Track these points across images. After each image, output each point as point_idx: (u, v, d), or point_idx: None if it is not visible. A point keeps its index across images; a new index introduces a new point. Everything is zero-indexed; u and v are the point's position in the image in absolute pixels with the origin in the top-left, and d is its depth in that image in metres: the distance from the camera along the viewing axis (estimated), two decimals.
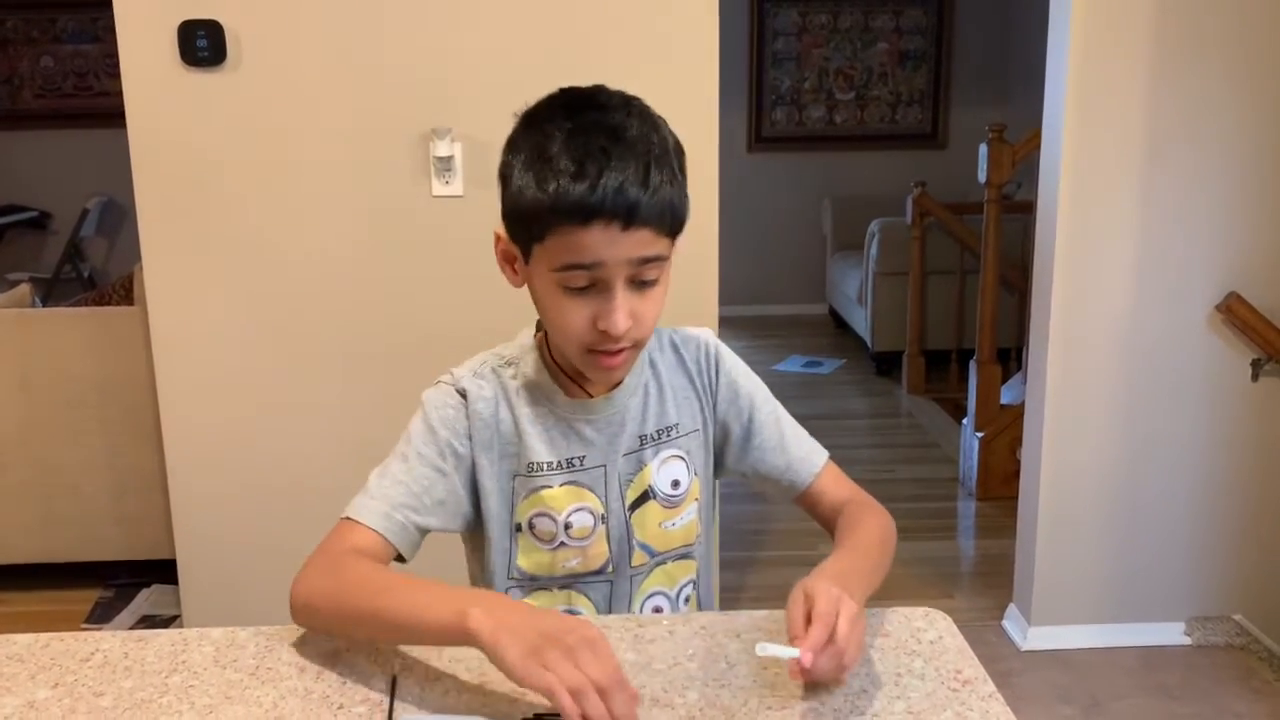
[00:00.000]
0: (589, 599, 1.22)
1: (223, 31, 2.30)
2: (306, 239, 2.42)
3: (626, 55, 2.34)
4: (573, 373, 1.18)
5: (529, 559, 1.20)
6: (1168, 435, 2.63)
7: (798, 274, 6.34)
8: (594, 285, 1.06)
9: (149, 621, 2.89)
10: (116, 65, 2.34)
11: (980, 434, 3.66)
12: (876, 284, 5.03)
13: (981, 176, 3.59)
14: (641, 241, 1.04)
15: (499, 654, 0.90)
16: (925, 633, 1.09)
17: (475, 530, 1.22)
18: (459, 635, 0.94)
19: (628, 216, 1.02)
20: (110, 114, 2.42)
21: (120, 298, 3.13)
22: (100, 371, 2.94)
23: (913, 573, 3.15)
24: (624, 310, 1.05)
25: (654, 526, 1.21)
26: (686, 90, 2.34)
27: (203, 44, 2.30)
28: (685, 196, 1.09)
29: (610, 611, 1.22)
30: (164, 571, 2.93)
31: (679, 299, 2.36)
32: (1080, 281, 2.54)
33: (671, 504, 1.22)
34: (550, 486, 1.18)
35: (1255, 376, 2.59)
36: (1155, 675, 2.58)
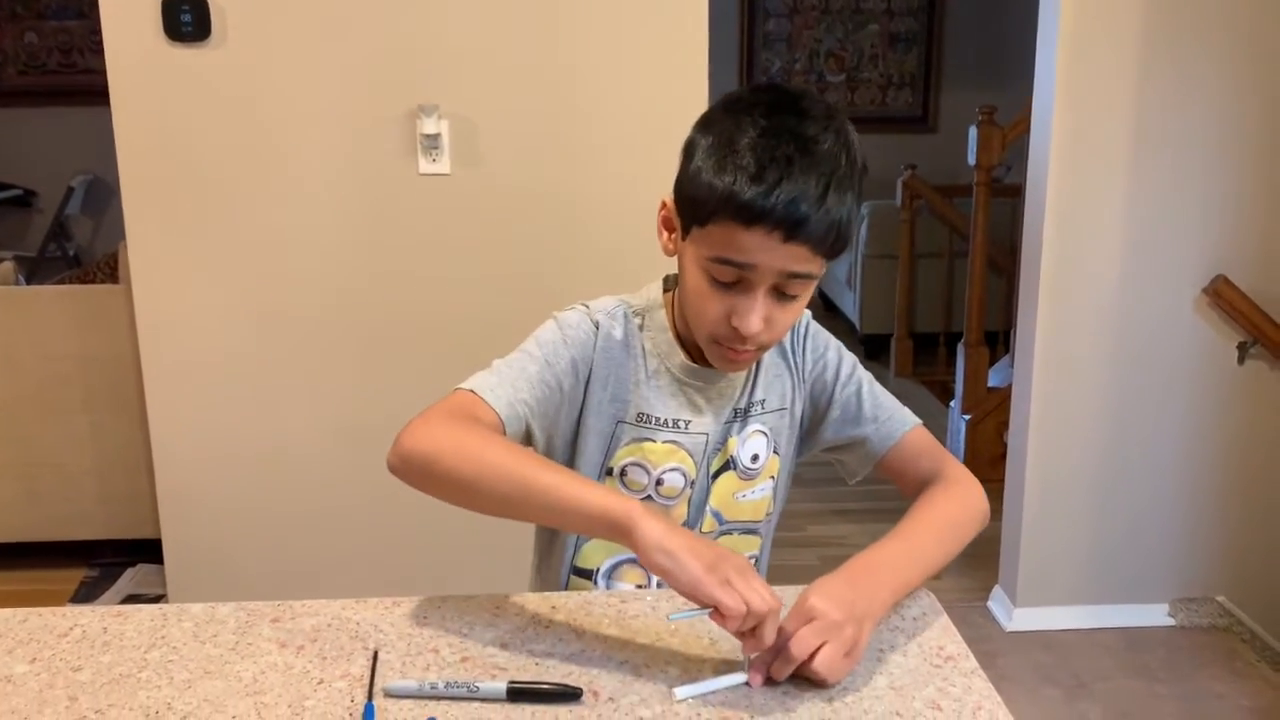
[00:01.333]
0: None
1: (207, 6, 2.28)
2: (292, 217, 2.40)
3: (616, 35, 2.32)
4: (694, 343, 1.18)
5: None
6: (1154, 418, 2.64)
7: None
8: (739, 283, 1.06)
9: (134, 601, 2.89)
10: (101, 41, 2.31)
11: (967, 417, 3.67)
12: (866, 267, 5.03)
13: (971, 159, 3.59)
14: (798, 256, 1.03)
15: (678, 561, 0.92)
16: (908, 609, 1.09)
17: (549, 458, 1.18)
18: (619, 528, 0.96)
19: (791, 230, 1.01)
20: (95, 91, 2.39)
21: (105, 276, 3.11)
22: (85, 350, 2.92)
23: None
24: (760, 314, 1.06)
25: (728, 496, 1.24)
26: (676, 70, 2.33)
27: (187, 19, 2.27)
28: (856, 220, 1.08)
29: None
30: (149, 551, 2.92)
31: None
32: (1068, 264, 2.54)
33: (748, 477, 1.24)
34: (653, 440, 1.19)
35: (1241, 359, 2.60)
36: (1139, 656, 2.59)
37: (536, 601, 1.11)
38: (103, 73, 2.34)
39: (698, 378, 1.20)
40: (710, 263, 1.06)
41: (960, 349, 3.78)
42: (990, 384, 3.75)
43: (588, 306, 1.20)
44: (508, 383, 1.12)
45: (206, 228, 2.40)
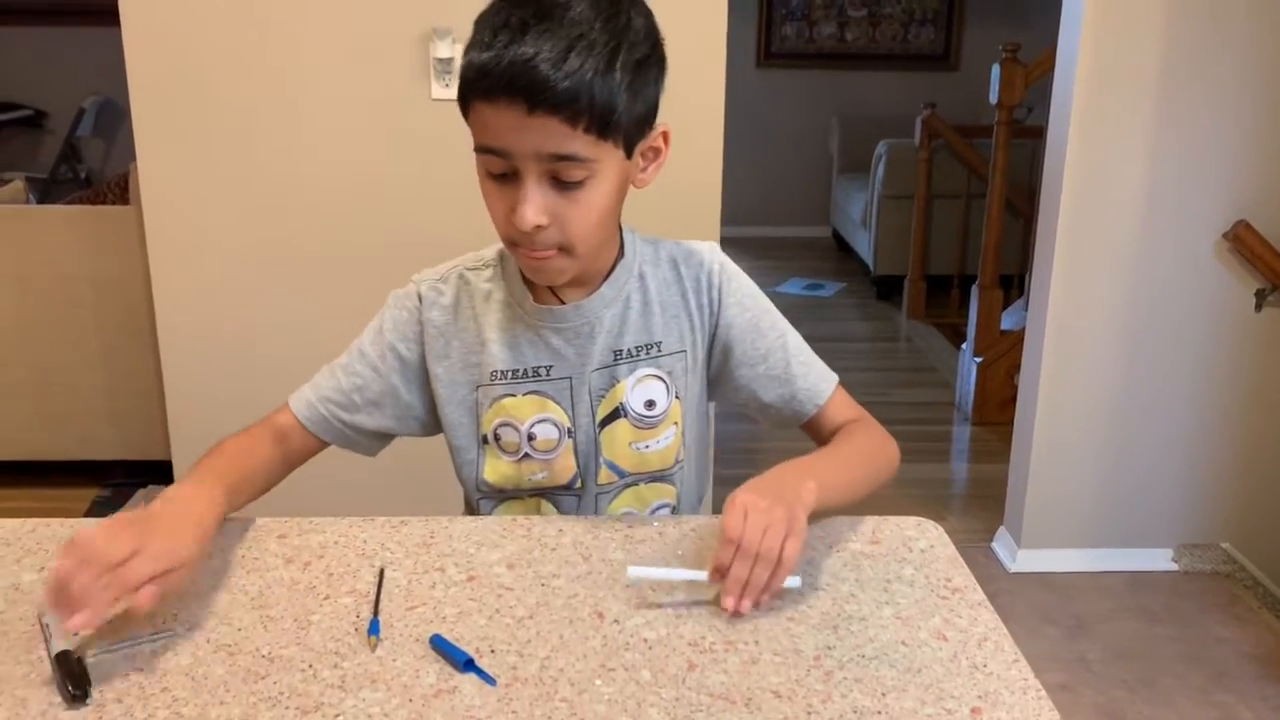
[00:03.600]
0: (559, 511, 1.20)
1: None
2: (303, 140, 2.38)
3: None
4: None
5: (495, 471, 1.16)
6: (1167, 363, 2.62)
7: (802, 195, 6.28)
8: (513, 174, 1.00)
9: None
10: None
11: (979, 359, 3.65)
12: (881, 207, 4.98)
13: (993, 97, 3.53)
14: (552, 132, 0.95)
15: None
16: (916, 541, 1.09)
17: (433, 434, 1.20)
18: None
19: (530, 97, 0.93)
20: (107, 11, 2.36)
21: (115, 197, 3.10)
22: (96, 271, 2.91)
23: (906, 494, 3.16)
24: (535, 205, 0.98)
25: (624, 446, 1.16)
26: (695, 2, 2.28)
27: None
28: (631, 96, 0.98)
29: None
30: (160, 473, 2.94)
31: (680, 217, 2.33)
32: (1087, 206, 2.51)
33: (645, 425, 1.16)
34: (514, 395, 1.14)
35: (1259, 306, 2.57)
36: (1140, 599, 2.61)
37: (543, 524, 1.11)
38: None
39: (550, 318, 1.13)
40: (479, 155, 1.01)
41: (974, 291, 3.75)
42: (1003, 327, 3.73)
43: (418, 276, 1.18)
44: (315, 385, 1.20)
45: (217, 150, 2.38)
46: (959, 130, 4.58)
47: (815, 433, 1.22)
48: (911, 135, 4.68)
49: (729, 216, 2.57)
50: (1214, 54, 2.42)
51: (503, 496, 1.19)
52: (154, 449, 2.95)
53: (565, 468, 1.16)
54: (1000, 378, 3.61)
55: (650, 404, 1.15)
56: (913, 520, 1.13)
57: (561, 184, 0.99)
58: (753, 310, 1.18)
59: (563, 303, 1.13)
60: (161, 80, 2.33)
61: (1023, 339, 2.78)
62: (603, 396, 1.15)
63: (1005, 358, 3.57)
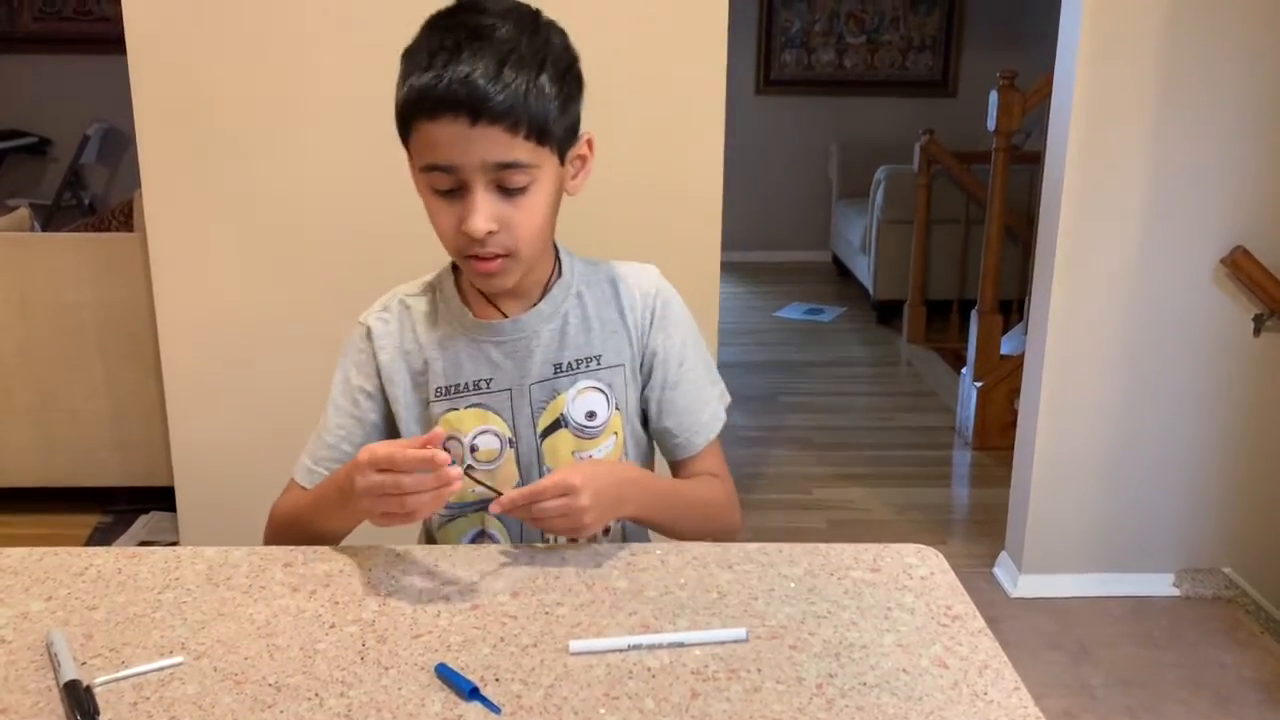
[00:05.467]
0: (501, 522, 1.22)
1: None
2: (307, 167, 2.40)
3: None
4: (485, 293, 1.19)
5: None
6: (1166, 388, 2.63)
7: (802, 220, 6.30)
8: (460, 189, 1.06)
9: (146, 547, 2.92)
10: None
11: (979, 384, 3.66)
12: (881, 232, 5.00)
13: (991, 124, 3.56)
14: (494, 142, 1.03)
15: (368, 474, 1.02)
16: (917, 569, 1.10)
17: None
18: (347, 481, 1.05)
19: (473, 110, 1.01)
20: (111, 39, 2.39)
21: (120, 224, 3.12)
22: (99, 298, 2.93)
23: (907, 519, 3.17)
24: (483, 213, 1.05)
25: (566, 455, 1.20)
26: (695, 30, 2.30)
27: None
28: (558, 105, 1.06)
29: (522, 537, 1.22)
30: (163, 499, 2.94)
31: (681, 242, 2.35)
32: (1085, 231, 2.53)
33: (586, 435, 1.20)
34: (457, 409, 1.19)
35: (1257, 332, 2.59)
36: (1142, 624, 2.60)
37: (546, 553, 1.12)
38: (119, 20, 2.33)
39: (489, 332, 1.18)
40: (424, 175, 1.07)
41: (973, 315, 3.76)
42: (1002, 351, 3.74)
43: (366, 313, 1.25)
44: (308, 453, 1.24)
45: (222, 176, 2.40)
46: (957, 156, 4.61)
47: (676, 468, 1.28)
48: (910, 161, 4.71)
49: (729, 241, 2.59)
50: (1210, 80, 2.44)
51: (451, 513, 1.22)
52: (157, 475, 2.96)
53: (507, 477, 1.20)
54: (1000, 402, 3.61)
55: (591, 415, 1.20)
56: (913, 548, 1.14)
57: (506, 191, 1.06)
58: (677, 340, 1.23)
59: (505, 316, 1.19)
60: (166, 108, 2.35)
61: (1023, 363, 2.79)
62: (544, 408, 1.20)
63: (1005, 382, 3.58)
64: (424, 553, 1.11)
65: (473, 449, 1.19)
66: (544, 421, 1.19)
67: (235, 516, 2.57)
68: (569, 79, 1.09)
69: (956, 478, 3.56)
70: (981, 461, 3.60)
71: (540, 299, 1.19)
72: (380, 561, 1.10)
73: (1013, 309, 4.11)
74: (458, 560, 1.10)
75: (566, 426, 1.19)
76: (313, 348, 2.50)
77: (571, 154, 1.13)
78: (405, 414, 1.20)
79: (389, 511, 1.01)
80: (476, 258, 1.09)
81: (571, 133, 1.11)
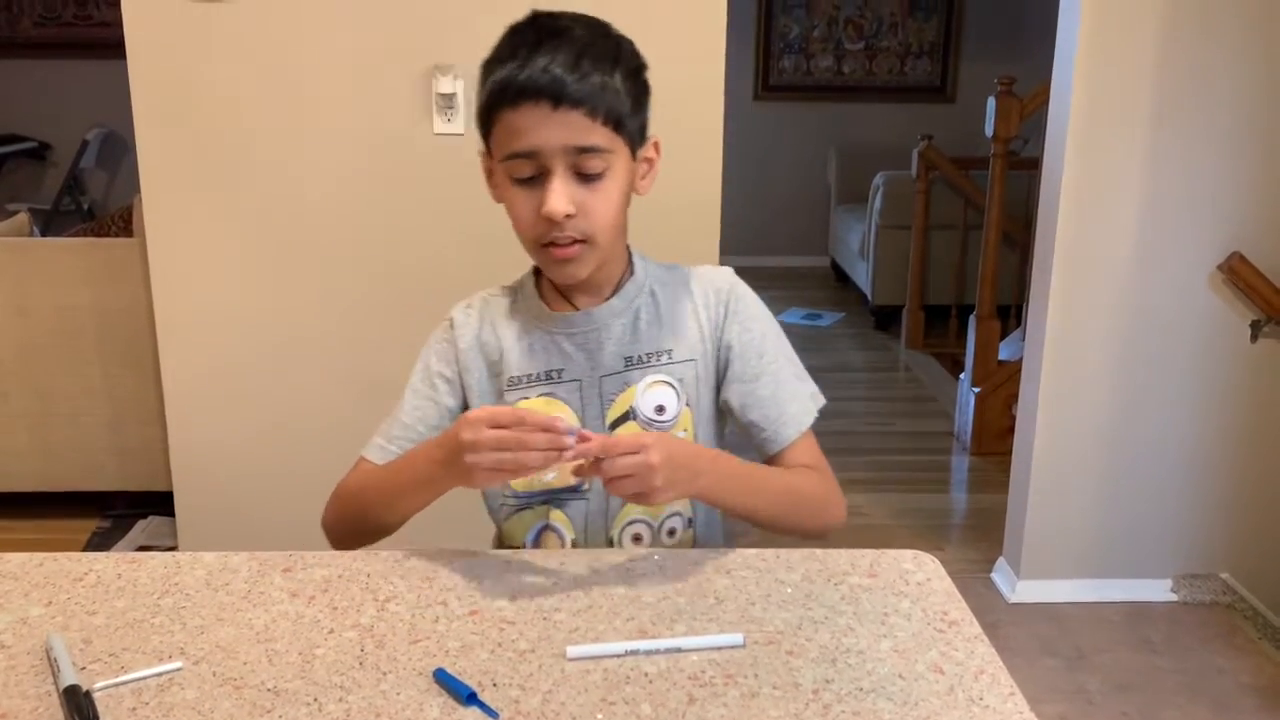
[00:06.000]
0: (567, 515, 1.23)
1: None
2: (307, 174, 2.40)
3: None
4: (561, 288, 1.22)
5: None
6: (1164, 394, 2.64)
7: (800, 225, 6.31)
8: (539, 176, 1.10)
9: (146, 552, 2.91)
10: None
11: (977, 389, 3.67)
12: (879, 237, 5.01)
13: (989, 130, 3.56)
14: (574, 126, 1.08)
15: (475, 429, 1.03)
16: (913, 575, 1.10)
17: None
18: (447, 448, 1.06)
19: (555, 95, 1.07)
20: (111, 44, 2.40)
21: (119, 229, 3.12)
22: (99, 302, 2.93)
23: (904, 524, 3.17)
24: (562, 194, 1.09)
25: None
26: (694, 36, 2.31)
27: None
28: (630, 100, 1.12)
29: (587, 531, 1.22)
30: (161, 503, 2.94)
31: (680, 247, 2.35)
32: (1083, 238, 2.53)
33: (655, 429, 1.20)
34: (527, 397, 1.21)
35: (1254, 338, 2.59)
36: (1140, 630, 2.61)
37: (544, 558, 1.13)
38: (119, 25, 2.33)
39: (562, 324, 1.21)
40: (506, 164, 1.11)
41: (971, 321, 3.77)
42: (1001, 357, 3.74)
43: (452, 310, 1.28)
44: (381, 433, 1.25)
45: (221, 183, 2.40)
46: (956, 161, 4.61)
47: (772, 462, 1.25)
48: (909, 166, 4.72)
49: (728, 246, 2.59)
50: (1206, 87, 2.45)
51: (519, 503, 1.23)
52: (156, 480, 2.96)
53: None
54: (998, 407, 3.62)
55: (660, 409, 1.21)
56: (909, 553, 1.14)
57: (584, 176, 1.11)
58: (755, 333, 1.24)
59: (576, 309, 1.21)
60: (166, 113, 2.35)
61: (1021, 369, 2.79)
62: (614, 400, 1.21)
63: (1003, 387, 3.58)
64: (423, 558, 1.12)
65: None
66: (613, 414, 1.21)
67: (234, 521, 2.58)
68: (640, 80, 1.15)
69: (954, 483, 3.56)
70: (979, 467, 3.60)
71: (612, 295, 1.22)
72: (379, 567, 1.10)
73: (1011, 314, 4.12)
74: (457, 565, 1.10)
75: (635, 419, 1.20)
76: (311, 353, 2.51)
77: (641, 154, 1.17)
78: (478, 403, 1.22)
79: (498, 467, 1.02)
80: (554, 244, 1.12)
81: (642, 132, 1.17)
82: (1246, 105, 2.46)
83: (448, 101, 2.34)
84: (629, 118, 1.12)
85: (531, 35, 1.10)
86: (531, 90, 1.07)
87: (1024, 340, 2.80)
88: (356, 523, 1.21)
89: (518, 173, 1.11)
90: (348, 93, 2.36)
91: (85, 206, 5.46)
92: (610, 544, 1.22)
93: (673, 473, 1.04)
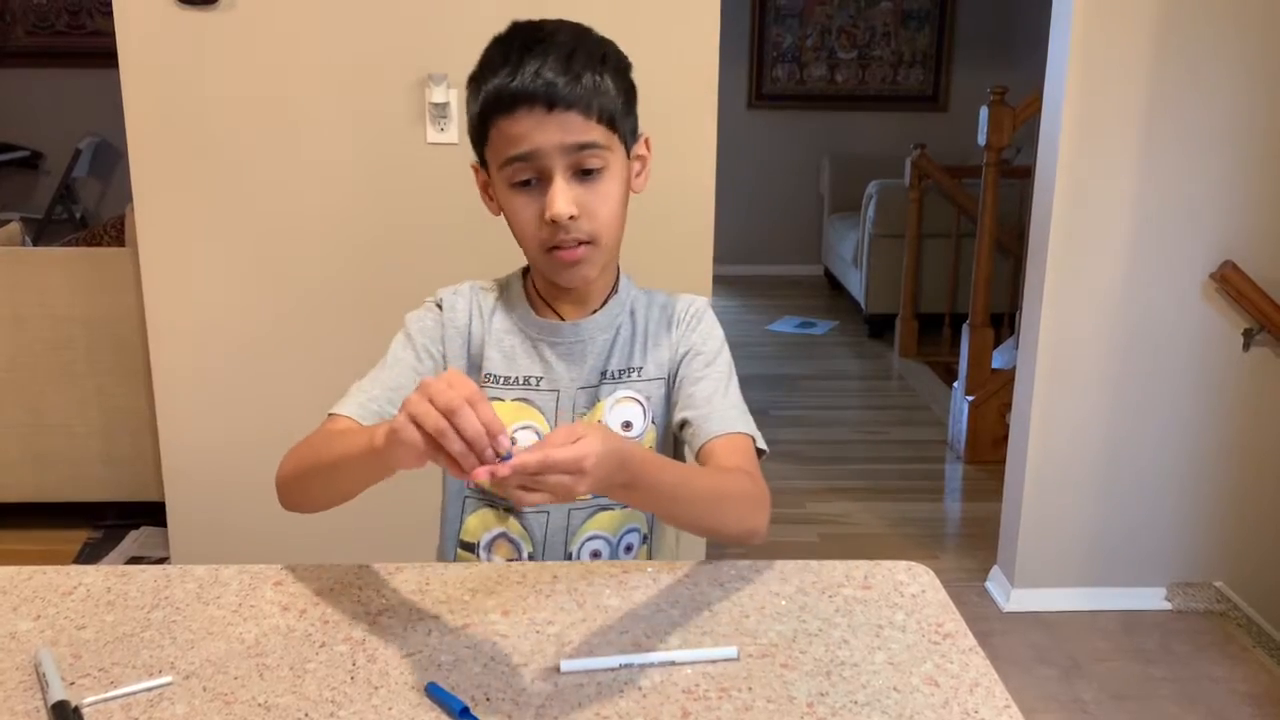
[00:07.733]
0: (524, 527, 1.23)
1: None
2: (299, 184, 2.40)
3: (627, 6, 2.31)
4: (548, 296, 1.22)
5: None
6: (1157, 402, 2.64)
7: (794, 234, 6.32)
8: (539, 179, 1.11)
9: (137, 563, 2.90)
10: (110, 3, 2.30)
11: (970, 398, 3.67)
12: (872, 246, 5.01)
13: (981, 139, 3.57)
14: (570, 125, 1.09)
15: (402, 422, 0.91)
16: (907, 586, 1.10)
17: None
18: (384, 441, 0.95)
19: (549, 98, 1.07)
20: (103, 54, 2.39)
21: (111, 239, 3.11)
22: (91, 312, 2.92)
23: (899, 533, 3.17)
24: (566, 196, 1.10)
25: None
26: (687, 44, 2.31)
27: None
28: (622, 99, 1.13)
29: (545, 544, 1.22)
30: (153, 514, 2.93)
31: (673, 256, 2.36)
32: (1076, 246, 2.54)
33: None
34: (501, 400, 1.21)
35: (1247, 346, 2.60)
36: (1135, 639, 2.60)
37: (537, 570, 1.12)
38: (111, 34, 2.32)
39: (548, 332, 1.22)
40: (505, 171, 1.12)
41: (965, 329, 3.77)
42: (994, 366, 3.75)
43: (436, 294, 1.27)
44: (356, 393, 1.21)
45: (214, 192, 2.40)
46: (948, 170, 4.62)
47: (699, 457, 1.21)
48: (901, 175, 4.73)
49: (721, 255, 2.59)
50: (1198, 95, 2.46)
51: (482, 501, 1.23)
52: (147, 490, 2.95)
53: None
54: (992, 416, 3.62)
55: (627, 425, 1.21)
56: (904, 565, 1.14)
57: (584, 174, 1.11)
58: (708, 348, 1.25)
59: (562, 319, 1.22)
60: (159, 123, 2.35)
61: (1014, 377, 2.80)
62: (583, 414, 1.22)
63: (997, 396, 3.59)
64: (415, 570, 1.11)
65: (512, 441, 1.17)
66: None
67: (226, 532, 2.57)
68: (628, 79, 1.17)
69: (948, 492, 3.56)
70: (973, 475, 3.60)
71: (598, 309, 1.23)
72: (370, 580, 1.09)
73: (1004, 323, 4.12)
74: (449, 578, 1.10)
75: None
76: (304, 362, 2.50)
77: (634, 152, 1.19)
78: None
79: (414, 446, 0.90)
80: (559, 249, 1.13)
81: (633, 131, 1.18)
82: (1238, 114, 2.47)
83: (441, 111, 2.34)
84: (622, 116, 1.14)
85: (518, 43, 1.11)
86: (525, 96, 1.08)
87: (1017, 349, 2.80)
88: (305, 479, 1.14)
89: (517, 177, 1.11)
90: (340, 102, 2.36)
91: (77, 216, 5.45)
92: (569, 559, 1.22)
93: (600, 482, 0.93)
